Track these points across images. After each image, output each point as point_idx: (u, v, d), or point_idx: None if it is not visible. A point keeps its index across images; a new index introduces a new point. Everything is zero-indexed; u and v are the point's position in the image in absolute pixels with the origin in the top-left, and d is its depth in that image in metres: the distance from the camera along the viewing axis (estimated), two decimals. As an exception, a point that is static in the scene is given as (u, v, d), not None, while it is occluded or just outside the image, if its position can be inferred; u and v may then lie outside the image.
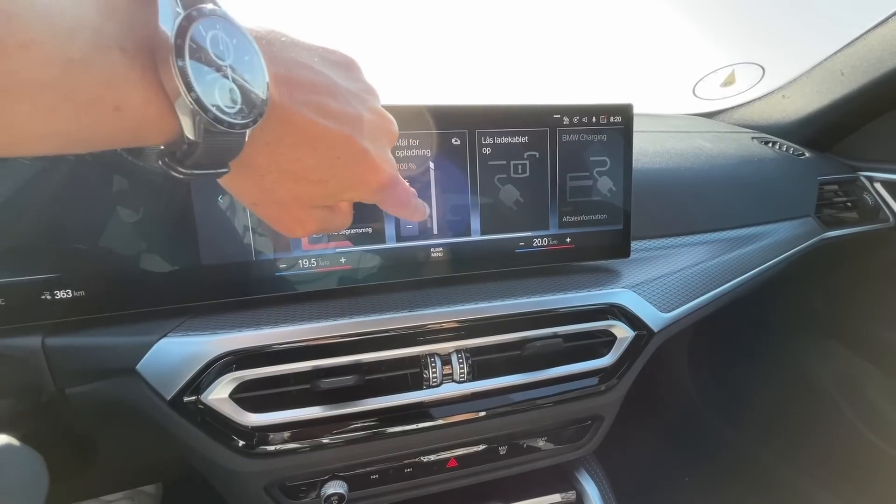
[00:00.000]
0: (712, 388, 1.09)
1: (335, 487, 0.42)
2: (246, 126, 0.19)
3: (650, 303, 0.50)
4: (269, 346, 0.39)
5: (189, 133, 0.19)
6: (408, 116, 0.42)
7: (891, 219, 0.79)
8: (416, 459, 0.45)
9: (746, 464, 0.98)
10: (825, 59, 0.80)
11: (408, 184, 0.28)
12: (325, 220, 0.26)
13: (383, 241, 0.43)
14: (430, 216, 0.44)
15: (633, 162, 0.63)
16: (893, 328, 0.83)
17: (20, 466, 0.30)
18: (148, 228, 0.37)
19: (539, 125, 0.46)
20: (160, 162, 0.20)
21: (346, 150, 0.23)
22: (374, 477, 0.44)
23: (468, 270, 0.46)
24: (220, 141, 0.19)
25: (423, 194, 0.44)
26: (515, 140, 0.46)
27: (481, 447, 0.47)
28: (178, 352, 0.37)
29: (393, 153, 0.42)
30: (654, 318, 0.49)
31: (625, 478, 0.89)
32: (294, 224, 0.25)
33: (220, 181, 0.23)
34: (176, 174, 0.20)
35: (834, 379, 0.90)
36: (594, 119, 0.48)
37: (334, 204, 0.26)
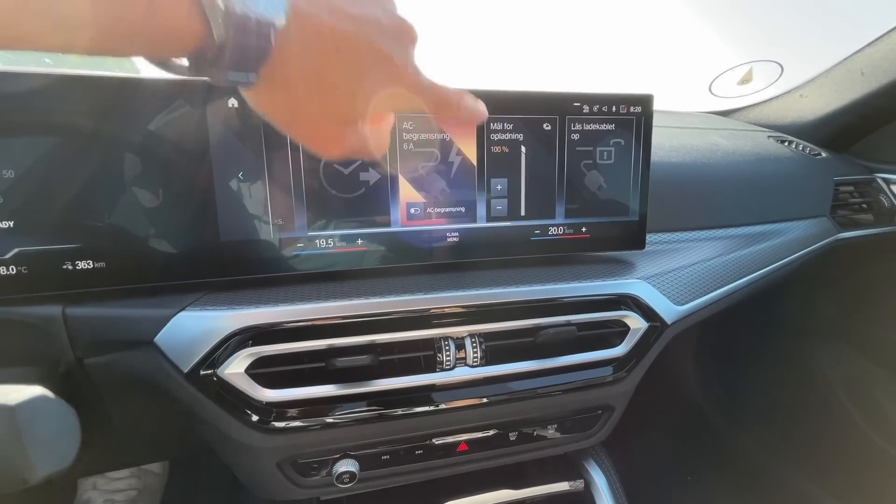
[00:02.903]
0: (718, 386, 1.08)
1: (347, 466, 0.42)
2: (270, 24, 0.20)
3: (664, 295, 0.49)
4: (286, 323, 0.39)
5: (217, 30, 0.20)
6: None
7: (906, 222, 0.78)
8: (428, 442, 0.45)
9: (751, 465, 0.98)
10: (845, 59, 0.80)
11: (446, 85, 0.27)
12: (360, 137, 0.26)
13: (395, 224, 0.43)
14: (445, 195, 0.44)
15: (650, 155, 0.63)
16: (905, 332, 0.82)
17: (56, 417, 0.30)
18: (168, 204, 0.38)
19: (557, 112, 0.46)
20: (189, 65, 0.21)
21: (370, 55, 0.23)
22: (386, 457, 0.44)
23: (483, 256, 0.46)
24: (247, 42, 0.20)
25: (439, 178, 0.44)
26: (534, 127, 0.46)
27: (491, 432, 0.47)
28: (195, 325, 0.38)
29: (410, 137, 0.42)
30: (668, 310, 0.49)
31: (632, 470, 0.89)
32: (328, 143, 0.25)
33: (254, 103, 0.24)
34: (207, 77, 0.21)
35: (843, 383, 0.90)
36: (614, 108, 0.48)
37: (367, 118, 0.26)
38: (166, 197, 0.38)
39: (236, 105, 0.38)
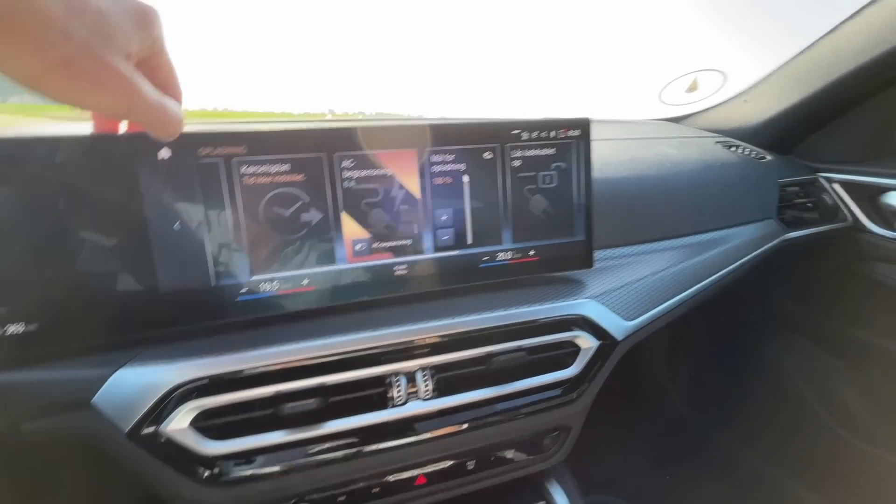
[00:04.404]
0: (690, 387, 1.11)
1: (302, 512, 0.42)
2: None
3: (614, 312, 0.51)
4: (230, 373, 0.38)
5: None
6: (355, 137, 0.42)
7: (849, 218, 0.81)
8: (384, 479, 0.45)
9: (724, 459, 1.01)
10: (783, 65, 0.83)
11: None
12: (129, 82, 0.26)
13: (341, 262, 0.43)
14: (391, 229, 0.45)
15: (598, 171, 0.65)
16: (856, 324, 0.85)
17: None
18: (102, 259, 0.37)
19: (498, 140, 0.47)
20: None
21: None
22: (341, 499, 0.44)
23: (433, 287, 0.47)
24: None
25: (382, 213, 0.44)
26: (475, 156, 0.47)
27: (449, 463, 0.47)
28: (135, 382, 0.37)
29: (351, 175, 0.42)
30: (618, 326, 0.50)
31: (601, 480, 0.90)
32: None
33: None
34: None
35: (802, 374, 0.93)
36: (552, 133, 0.49)
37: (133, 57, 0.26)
38: (100, 252, 0.37)
39: (168, 156, 0.38)
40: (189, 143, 0.38)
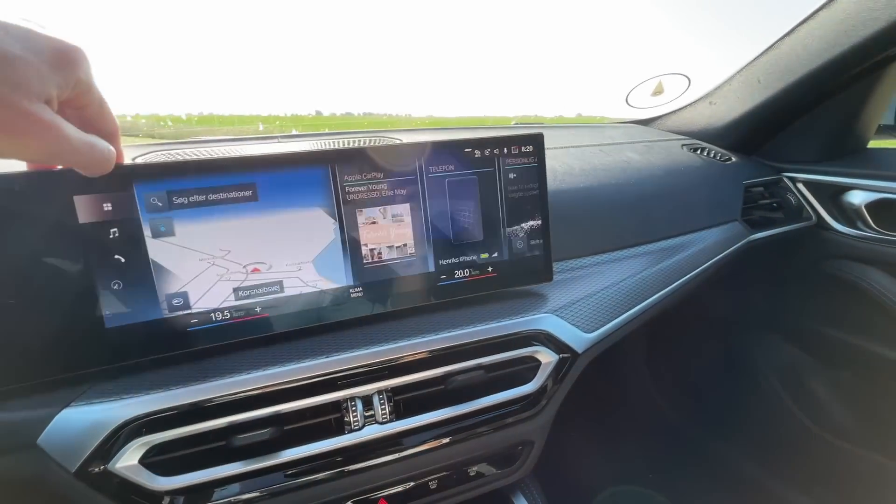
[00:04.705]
0: (668, 385, 1.12)
1: (260, 542, 0.41)
2: None
3: (573, 325, 0.51)
4: (180, 406, 0.38)
5: None
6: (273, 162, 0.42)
7: (813, 217, 0.83)
8: (345, 504, 0.45)
9: (700, 456, 1.02)
10: (744, 67, 0.84)
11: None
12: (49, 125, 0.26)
13: (294, 288, 0.43)
14: (346, 253, 0.44)
15: (560, 182, 0.65)
16: (823, 320, 0.87)
17: None
18: (44, 298, 0.36)
19: (448, 159, 0.47)
20: None
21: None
22: (301, 526, 0.44)
23: (390, 307, 0.47)
24: None
25: (340, 237, 0.44)
26: (428, 175, 0.47)
27: (411, 484, 0.47)
28: (81, 420, 0.36)
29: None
30: (578, 339, 0.50)
31: (574, 487, 0.91)
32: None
33: None
34: None
35: (775, 370, 0.94)
36: (506, 150, 0.49)
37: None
38: (42, 289, 0.36)
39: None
40: (128, 177, 0.38)
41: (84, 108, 0.31)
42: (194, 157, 0.60)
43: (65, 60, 0.28)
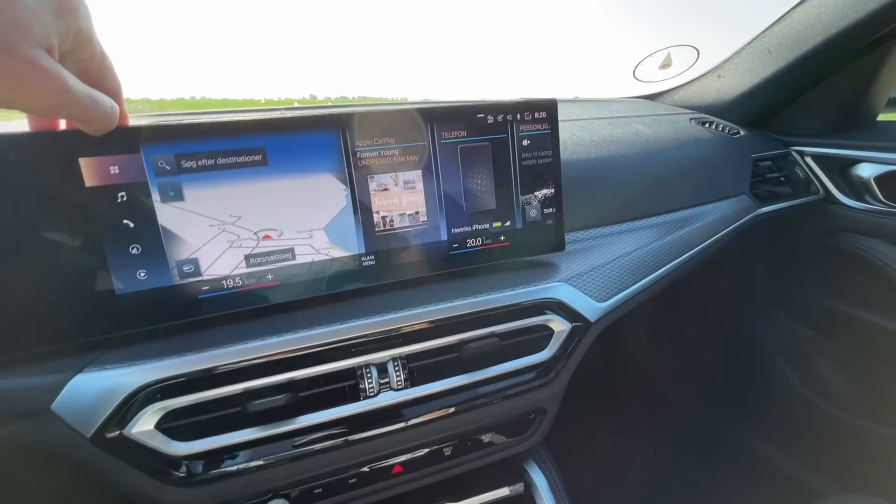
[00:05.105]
0: (670, 361, 1.13)
1: (277, 506, 0.42)
2: None
3: (586, 294, 0.51)
4: (195, 372, 0.38)
5: None
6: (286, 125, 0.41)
7: (821, 191, 0.82)
8: (360, 470, 0.45)
9: (705, 430, 1.03)
10: (754, 39, 0.83)
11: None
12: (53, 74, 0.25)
13: (306, 255, 0.42)
14: (358, 220, 0.44)
15: (571, 153, 0.64)
16: (829, 295, 0.87)
17: None
18: (51, 263, 0.36)
19: (462, 125, 0.46)
20: None
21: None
22: (318, 491, 0.44)
23: (402, 276, 0.46)
24: None
25: (351, 204, 0.43)
26: (440, 142, 0.46)
27: (425, 450, 0.47)
28: (95, 387, 0.36)
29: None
30: (591, 308, 0.50)
31: (584, 458, 0.92)
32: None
33: None
34: None
35: (778, 345, 0.95)
36: (519, 116, 0.48)
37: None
38: (50, 255, 0.35)
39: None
40: (135, 138, 0.37)
41: (85, 61, 0.30)
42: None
43: (65, 7, 0.26)
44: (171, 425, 0.37)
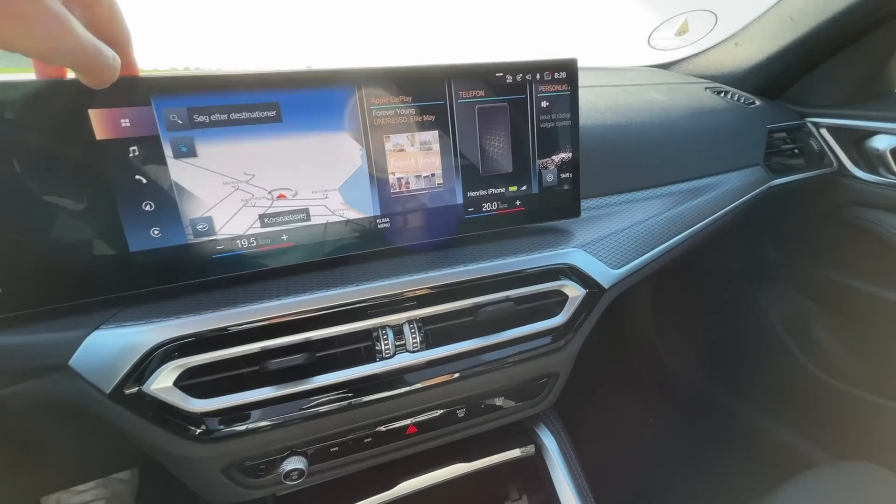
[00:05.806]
0: (672, 333, 1.14)
1: (294, 463, 0.42)
2: None
3: (601, 260, 0.50)
4: (212, 330, 0.37)
5: None
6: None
7: (834, 163, 0.81)
8: (375, 429, 0.46)
9: (705, 402, 1.05)
10: (775, 4, 0.80)
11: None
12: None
13: (321, 216, 0.42)
14: (374, 182, 0.43)
15: (585, 118, 0.63)
16: (837, 268, 0.87)
17: None
18: (65, 219, 0.35)
19: (478, 84, 0.45)
20: None
21: None
22: (334, 449, 0.44)
23: (417, 240, 0.46)
24: None
25: (367, 164, 0.42)
26: (458, 101, 0.44)
27: (439, 412, 0.48)
28: (113, 343, 0.36)
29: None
30: (605, 275, 0.50)
31: (590, 425, 0.94)
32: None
33: None
34: None
35: (782, 319, 0.96)
36: (538, 76, 0.47)
37: None
38: (62, 211, 0.35)
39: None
40: (145, 90, 0.35)
41: (92, 6, 0.28)
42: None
43: None
44: (189, 382, 0.37)
